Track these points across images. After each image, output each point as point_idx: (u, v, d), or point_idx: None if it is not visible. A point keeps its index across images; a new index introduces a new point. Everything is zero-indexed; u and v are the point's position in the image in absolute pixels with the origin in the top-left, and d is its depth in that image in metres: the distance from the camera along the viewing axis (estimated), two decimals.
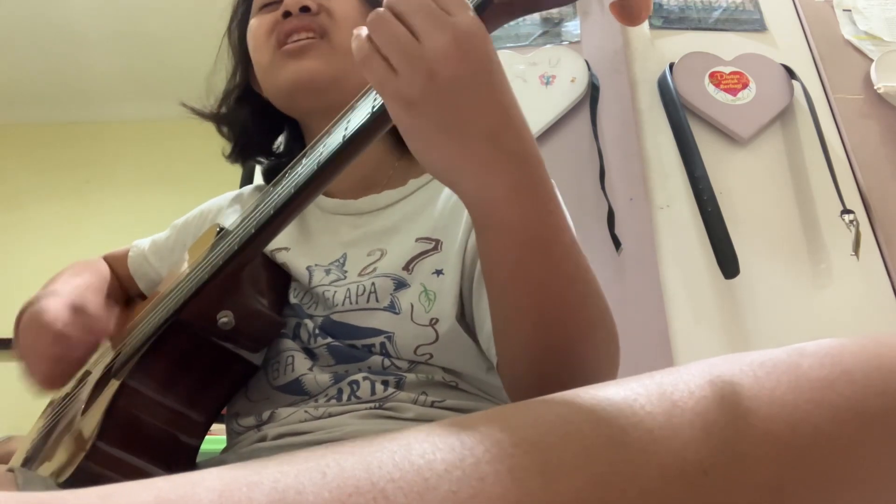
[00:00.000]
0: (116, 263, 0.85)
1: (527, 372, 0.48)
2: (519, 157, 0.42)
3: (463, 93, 0.40)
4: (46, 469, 0.59)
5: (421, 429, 0.30)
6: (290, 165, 0.56)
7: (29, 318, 0.66)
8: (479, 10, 0.42)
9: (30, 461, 0.66)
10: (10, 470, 0.57)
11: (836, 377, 0.31)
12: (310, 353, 0.62)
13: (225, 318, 0.56)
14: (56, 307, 0.64)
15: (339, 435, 0.55)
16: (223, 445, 0.66)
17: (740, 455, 0.28)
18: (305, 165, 0.52)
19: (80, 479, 0.52)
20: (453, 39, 0.39)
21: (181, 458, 0.58)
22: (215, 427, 0.64)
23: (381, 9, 0.42)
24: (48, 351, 0.63)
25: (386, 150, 0.72)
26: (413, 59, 0.40)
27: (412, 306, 0.60)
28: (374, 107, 0.45)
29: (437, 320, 0.59)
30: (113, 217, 2.88)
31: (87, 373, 0.70)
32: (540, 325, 0.45)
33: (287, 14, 0.68)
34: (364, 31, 0.42)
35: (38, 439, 0.69)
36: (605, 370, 0.48)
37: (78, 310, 0.65)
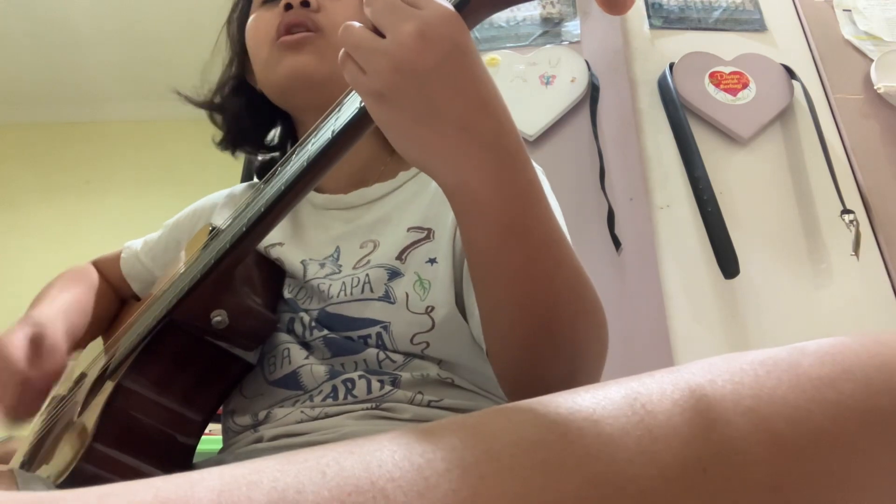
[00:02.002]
0: (108, 266, 0.85)
1: (514, 360, 0.48)
2: (495, 145, 0.42)
3: (430, 82, 0.40)
4: (45, 470, 0.59)
5: (421, 427, 0.30)
6: (280, 162, 0.56)
7: None
8: (462, 1, 0.43)
9: (28, 462, 0.66)
10: (10, 470, 0.57)
11: (837, 376, 0.31)
12: (305, 346, 0.62)
13: (218, 317, 0.56)
14: (17, 345, 0.63)
15: (336, 437, 0.55)
16: (220, 446, 0.66)
17: (741, 454, 0.28)
18: (295, 162, 0.52)
19: (77, 480, 0.52)
20: (416, 30, 0.40)
21: (178, 457, 0.57)
22: (214, 427, 0.64)
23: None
24: (7, 387, 0.62)
25: (378, 146, 0.73)
26: (375, 54, 0.41)
27: (407, 295, 0.60)
28: (361, 102, 0.46)
29: (433, 308, 0.59)
30: (113, 217, 2.88)
31: (84, 374, 0.70)
32: (523, 313, 0.45)
33: (288, 7, 0.69)
34: None
35: (35, 440, 0.69)
36: (594, 359, 0.49)
37: (36, 342, 0.65)
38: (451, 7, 0.42)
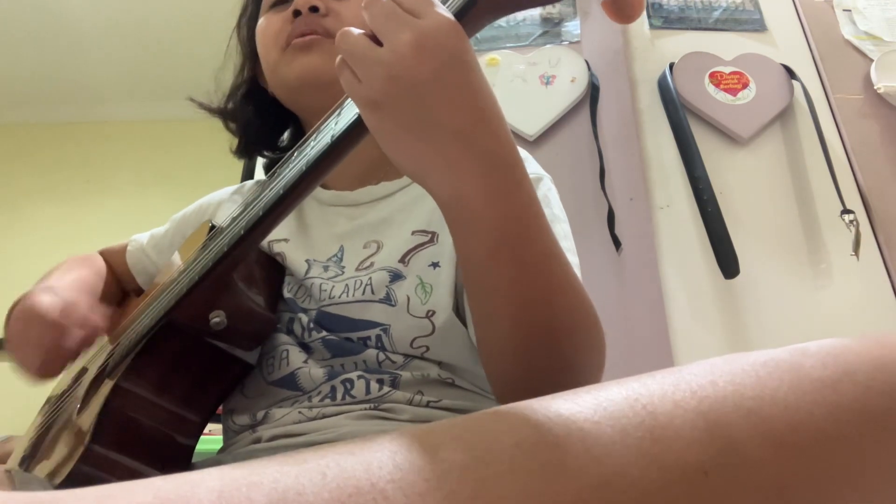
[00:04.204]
0: (114, 258, 0.85)
1: (505, 370, 0.48)
2: (491, 156, 0.42)
3: (427, 92, 0.40)
4: (43, 469, 0.59)
5: (421, 429, 0.29)
6: (280, 162, 0.55)
7: (22, 309, 0.65)
8: (463, 9, 0.42)
9: (27, 460, 0.66)
10: (8, 470, 0.57)
11: (839, 377, 0.31)
12: (304, 347, 0.62)
13: (217, 317, 0.56)
14: (50, 300, 0.64)
15: (334, 436, 0.55)
16: (219, 445, 0.66)
17: (742, 456, 0.28)
18: (294, 165, 0.51)
19: (75, 480, 0.52)
20: (413, 40, 0.39)
21: (177, 458, 0.57)
22: (214, 427, 0.63)
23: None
24: (42, 340, 0.62)
25: None
26: (370, 63, 0.41)
27: (408, 298, 0.60)
28: None
29: (434, 312, 0.59)
30: (113, 217, 2.87)
31: (84, 370, 0.70)
32: (515, 325, 0.45)
33: (297, 13, 0.69)
34: None
35: (34, 438, 0.69)
36: (588, 372, 0.48)
37: (72, 304, 0.65)
38: (450, 16, 0.41)
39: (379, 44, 0.41)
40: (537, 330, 0.45)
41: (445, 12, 0.41)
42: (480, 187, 0.42)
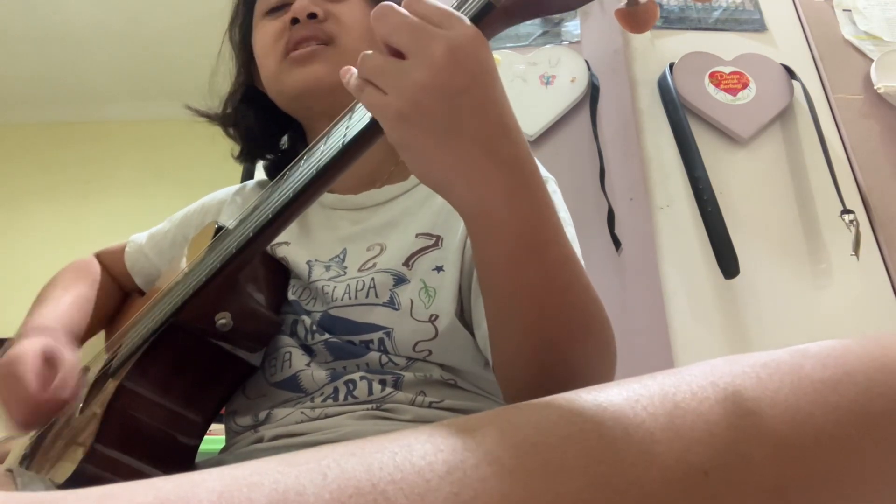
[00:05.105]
0: (112, 259, 0.84)
1: (521, 374, 0.48)
2: (513, 163, 0.42)
3: (458, 103, 0.40)
4: (44, 469, 0.59)
5: (422, 429, 0.30)
6: (289, 166, 0.56)
7: (6, 362, 0.62)
8: (480, 15, 0.42)
9: (27, 460, 0.66)
10: (9, 470, 0.56)
11: (839, 379, 0.31)
12: (307, 350, 0.62)
13: (223, 319, 0.56)
14: (30, 361, 0.61)
15: (336, 436, 0.55)
16: (222, 445, 0.66)
17: (742, 457, 0.28)
18: (304, 169, 0.52)
19: (78, 480, 0.52)
20: (447, 50, 0.39)
21: (180, 458, 0.57)
22: (215, 427, 0.64)
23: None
24: (24, 397, 0.59)
25: (388, 147, 0.73)
26: (397, 74, 0.40)
27: (412, 302, 0.60)
28: None
29: (437, 317, 0.59)
30: (113, 217, 2.88)
31: (86, 368, 0.70)
32: (533, 329, 0.45)
33: (295, 21, 0.68)
34: (355, 71, 0.44)
35: (35, 438, 0.69)
36: (601, 377, 0.48)
37: (51, 360, 0.62)
38: (475, 27, 0.41)
39: (398, 57, 0.41)
40: (553, 333, 0.45)
41: (469, 23, 0.41)
42: (504, 195, 0.42)
